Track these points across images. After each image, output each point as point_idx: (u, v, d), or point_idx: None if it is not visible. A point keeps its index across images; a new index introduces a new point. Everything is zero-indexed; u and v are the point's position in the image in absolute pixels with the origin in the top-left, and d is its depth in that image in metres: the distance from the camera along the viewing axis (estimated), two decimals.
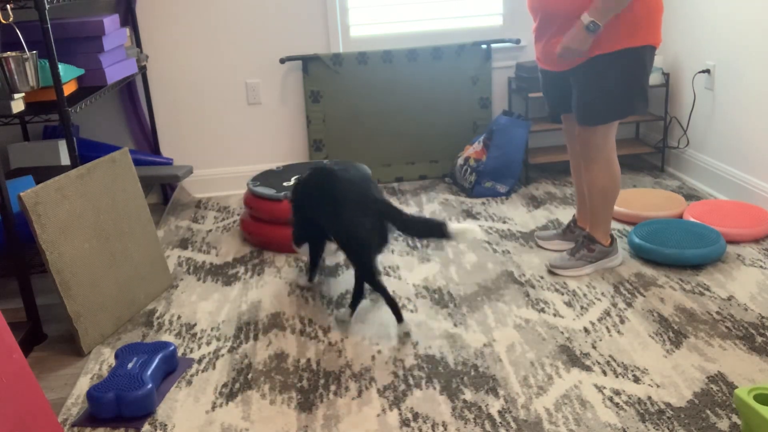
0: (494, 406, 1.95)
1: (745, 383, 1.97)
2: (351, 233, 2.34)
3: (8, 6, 2.45)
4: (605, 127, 2.51)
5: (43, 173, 2.91)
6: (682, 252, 2.65)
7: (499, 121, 3.61)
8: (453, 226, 2.24)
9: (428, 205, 3.52)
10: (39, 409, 1.78)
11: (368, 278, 2.37)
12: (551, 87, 2.68)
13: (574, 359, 2.14)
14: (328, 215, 2.41)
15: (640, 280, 2.61)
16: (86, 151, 3.37)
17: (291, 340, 2.36)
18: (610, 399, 1.95)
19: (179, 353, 2.32)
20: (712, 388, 1.97)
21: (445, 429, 1.87)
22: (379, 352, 2.25)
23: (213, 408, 2.03)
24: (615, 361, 2.12)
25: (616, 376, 2.04)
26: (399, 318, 2.35)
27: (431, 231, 2.30)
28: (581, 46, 2.35)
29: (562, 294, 2.55)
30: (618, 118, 2.50)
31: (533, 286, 2.62)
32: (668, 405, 1.91)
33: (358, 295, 2.44)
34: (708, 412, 1.87)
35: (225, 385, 2.13)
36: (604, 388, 2.00)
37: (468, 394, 2.01)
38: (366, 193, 2.35)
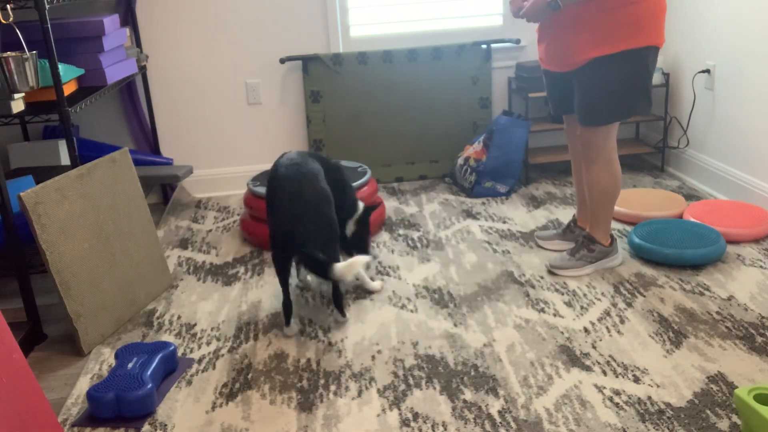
0: (494, 406, 1.95)
1: (745, 383, 1.97)
2: (269, 227, 2.36)
3: (8, 6, 2.45)
4: (607, 128, 2.51)
5: (43, 173, 2.91)
6: (682, 252, 2.65)
7: (499, 121, 3.61)
8: (338, 266, 2.14)
9: (428, 205, 3.52)
10: (39, 409, 1.78)
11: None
12: (553, 87, 2.68)
13: (574, 359, 2.14)
14: None
15: (640, 280, 2.61)
16: (86, 151, 3.37)
17: (291, 340, 2.36)
18: (610, 399, 1.95)
19: (179, 353, 2.32)
20: (712, 388, 1.97)
21: (445, 429, 1.87)
22: (379, 352, 2.25)
23: (213, 408, 2.03)
24: (615, 361, 2.12)
25: (616, 376, 2.04)
26: (287, 321, 2.39)
27: (314, 267, 2.23)
28: (537, 18, 2.45)
29: (562, 294, 2.55)
30: (620, 119, 2.50)
31: (533, 286, 2.62)
32: (668, 405, 1.91)
33: (334, 296, 2.44)
34: (708, 412, 1.87)
35: (225, 385, 2.13)
36: (604, 388, 2.00)
37: (468, 394, 2.01)
38: (289, 197, 2.28)
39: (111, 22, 3.04)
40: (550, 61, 2.57)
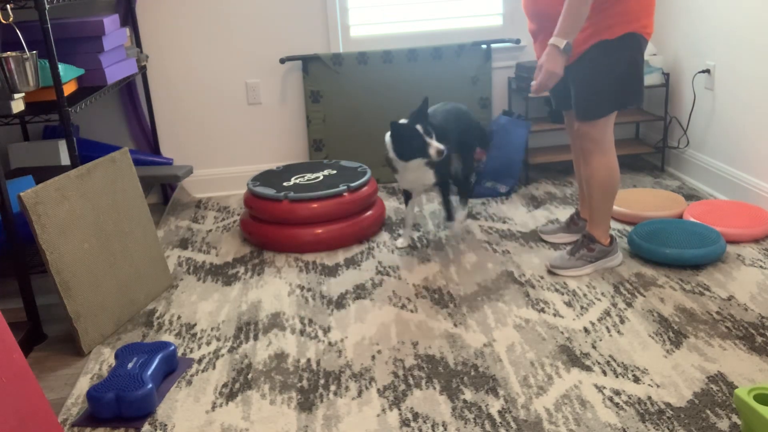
0: (494, 406, 1.95)
1: (745, 383, 1.97)
2: None
3: (8, 6, 2.45)
4: (603, 121, 2.52)
5: (43, 173, 2.91)
6: (682, 252, 2.65)
7: (499, 121, 3.61)
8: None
9: (428, 205, 3.52)
10: (39, 409, 1.78)
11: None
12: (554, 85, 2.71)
13: (574, 359, 2.14)
14: None
15: (640, 280, 2.61)
16: (86, 151, 3.37)
17: (291, 340, 2.36)
18: (610, 399, 1.95)
19: (179, 353, 2.32)
20: (712, 388, 1.97)
21: (445, 429, 1.87)
22: (379, 352, 2.25)
23: (213, 408, 2.03)
24: (615, 361, 2.12)
25: (616, 376, 2.04)
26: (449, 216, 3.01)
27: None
28: (561, 69, 2.39)
29: (562, 294, 2.55)
30: (614, 110, 2.52)
31: (533, 286, 2.62)
32: (668, 405, 1.91)
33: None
34: (708, 412, 1.87)
35: (225, 385, 2.13)
36: (604, 388, 2.00)
37: (468, 394, 2.01)
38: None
39: (111, 22, 3.04)
40: None
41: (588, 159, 2.60)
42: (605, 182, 2.59)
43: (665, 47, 3.76)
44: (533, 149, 3.88)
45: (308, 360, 2.23)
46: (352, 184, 3.08)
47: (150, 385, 2.00)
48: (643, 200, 3.24)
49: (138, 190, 2.68)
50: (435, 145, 2.66)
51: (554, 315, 2.41)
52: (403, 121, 2.74)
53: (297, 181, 3.20)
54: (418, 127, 2.68)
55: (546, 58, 2.37)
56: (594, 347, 2.20)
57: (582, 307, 2.44)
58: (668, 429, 1.81)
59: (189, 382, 2.16)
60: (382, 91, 3.80)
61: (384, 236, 3.17)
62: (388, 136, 2.77)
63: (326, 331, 2.40)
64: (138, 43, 3.60)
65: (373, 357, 2.22)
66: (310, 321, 2.47)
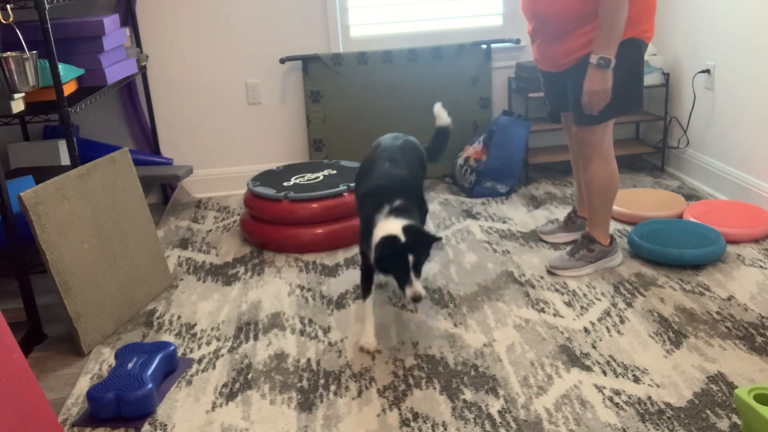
0: (494, 406, 1.95)
1: (745, 383, 1.97)
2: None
3: (8, 6, 2.45)
4: (602, 126, 2.52)
5: (43, 173, 2.91)
6: (683, 252, 2.65)
7: (499, 121, 3.61)
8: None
9: (428, 205, 3.51)
10: (39, 409, 1.78)
11: None
12: (549, 86, 2.71)
13: (574, 359, 2.14)
14: None
15: (640, 280, 2.61)
16: (86, 151, 3.37)
17: (291, 340, 2.36)
18: (610, 399, 1.95)
19: (179, 353, 2.32)
20: (712, 388, 1.97)
21: (445, 429, 1.87)
22: (379, 351, 2.25)
23: (213, 408, 2.03)
24: (615, 361, 2.12)
25: (616, 376, 2.04)
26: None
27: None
28: (605, 84, 2.36)
29: (562, 294, 2.55)
30: (614, 116, 2.50)
31: (533, 286, 2.62)
32: (668, 405, 1.91)
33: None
34: (708, 412, 1.87)
35: (225, 385, 2.13)
36: (604, 388, 2.00)
37: (468, 394, 2.01)
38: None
39: (111, 22, 3.04)
40: (543, 62, 2.59)
41: (587, 163, 2.59)
42: (605, 186, 2.59)
43: (665, 47, 3.76)
44: (533, 149, 3.88)
45: (308, 360, 2.23)
46: (352, 184, 3.08)
47: (150, 385, 2.00)
48: (643, 200, 3.24)
49: (138, 190, 2.68)
50: (416, 290, 2.09)
51: (554, 315, 2.41)
52: (400, 234, 2.11)
53: (297, 181, 3.21)
54: (411, 258, 2.09)
55: (587, 78, 2.37)
56: (594, 347, 2.20)
57: (582, 307, 2.44)
58: (668, 429, 1.81)
59: (189, 382, 2.16)
60: (382, 91, 3.80)
61: None
62: (378, 237, 2.14)
63: (326, 331, 2.40)
64: (138, 43, 3.60)
65: (373, 357, 2.22)
66: (310, 321, 2.47)
